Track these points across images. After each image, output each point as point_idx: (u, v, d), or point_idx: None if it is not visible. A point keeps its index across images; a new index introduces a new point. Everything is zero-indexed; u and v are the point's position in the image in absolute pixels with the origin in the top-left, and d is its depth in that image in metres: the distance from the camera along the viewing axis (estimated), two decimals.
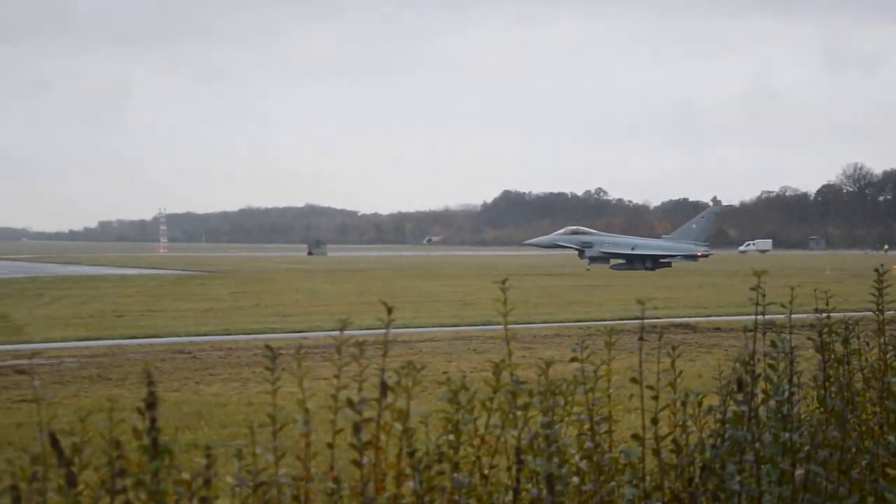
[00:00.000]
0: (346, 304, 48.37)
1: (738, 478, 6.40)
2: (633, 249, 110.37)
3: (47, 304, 52.11)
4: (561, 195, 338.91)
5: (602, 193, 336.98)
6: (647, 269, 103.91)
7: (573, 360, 6.50)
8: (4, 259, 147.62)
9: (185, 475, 5.40)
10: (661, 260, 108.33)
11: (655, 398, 6.48)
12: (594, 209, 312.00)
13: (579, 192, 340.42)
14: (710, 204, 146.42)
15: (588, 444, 6.35)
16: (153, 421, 5.07)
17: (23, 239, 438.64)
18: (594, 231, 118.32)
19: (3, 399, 20.38)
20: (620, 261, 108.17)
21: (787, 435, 6.61)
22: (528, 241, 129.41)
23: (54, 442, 5.13)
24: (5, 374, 24.31)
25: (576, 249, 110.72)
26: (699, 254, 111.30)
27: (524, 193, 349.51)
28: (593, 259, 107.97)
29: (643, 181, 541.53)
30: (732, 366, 6.80)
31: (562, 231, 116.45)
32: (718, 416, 6.68)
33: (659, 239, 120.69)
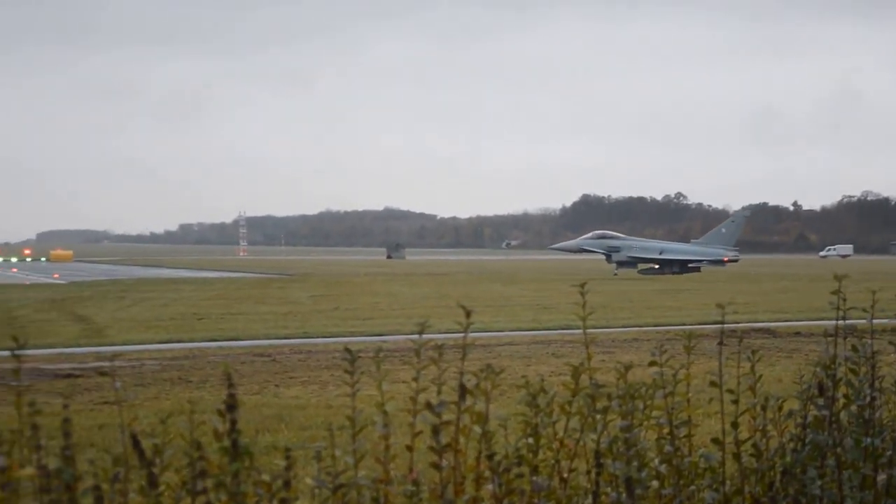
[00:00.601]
0: (425, 308, 48.35)
1: (818, 482, 6.35)
2: (660, 254, 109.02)
3: (129, 307, 52.59)
4: (640, 199, 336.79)
5: (681, 198, 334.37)
6: (674, 273, 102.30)
7: (652, 363, 6.47)
8: (87, 261, 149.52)
9: (265, 477, 5.45)
10: (689, 265, 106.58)
11: (735, 402, 6.44)
12: (673, 213, 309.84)
13: (658, 197, 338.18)
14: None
15: (668, 448, 6.32)
16: (233, 423, 5.11)
17: (105, 241, 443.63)
18: (621, 235, 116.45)
19: (86, 401, 20.59)
20: (649, 265, 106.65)
21: (868, 440, 6.55)
22: (554, 246, 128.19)
23: (136, 443, 5.20)
24: (88, 376, 24.60)
25: (603, 254, 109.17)
26: (726, 259, 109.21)
27: (603, 198, 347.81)
28: (620, 264, 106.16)
29: (723, 185, 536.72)
30: (813, 370, 6.75)
31: (588, 235, 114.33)
32: (799, 420, 6.63)
33: (688, 243, 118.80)
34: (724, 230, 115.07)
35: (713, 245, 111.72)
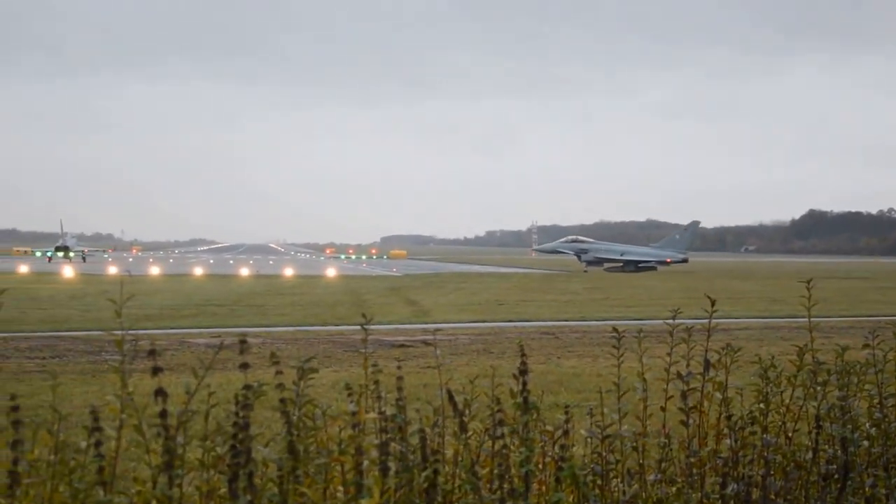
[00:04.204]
0: (677, 299, 47.44)
1: None
2: (622, 255, 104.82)
3: (447, 294, 53.68)
4: (857, 213, 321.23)
5: (893, 212, 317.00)
6: (631, 271, 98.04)
7: (865, 346, 6.25)
8: (417, 259, 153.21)
9: (549, 427, 5.47)
10: (640, 265, 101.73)
11: None
12: (887, 226, 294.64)
13: (873, 211, 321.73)
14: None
15: (877, 415, 6.08)
16: (524, 385, 5.15)
17: (430, 243, 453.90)
18: (590, 240, 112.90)
19: (414, 365, 21.14)
20: (613, 265, 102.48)
21: None
22: (535, 248, 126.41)
23: (451, 398, 5.30)
24: (416, 346, 25.24)
25: (574, 255, 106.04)
26: (668, 260, 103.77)
27: (826, 212, 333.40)
28: (589, 263, 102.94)
29: None
30: None
31: (562, 239, 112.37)
32: None
33: (646, 247, 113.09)
34: (677, 237, 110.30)
35: (668, 249, 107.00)
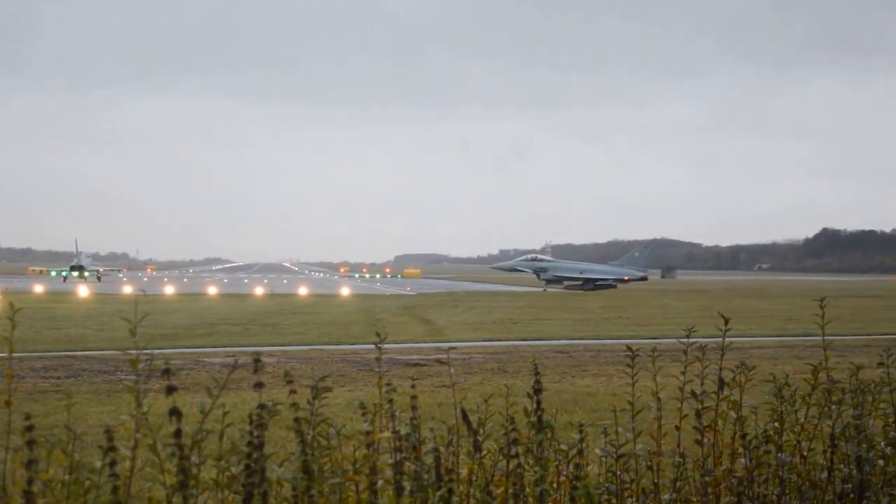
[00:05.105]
0: (691, 317, 47.38)
1: None
2: (581, 273, 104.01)
3: (461, 313, 53.60)
4: (871, 232, 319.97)
5: None
6: (590, 290, 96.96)
7: (880, 364, 6.22)
8: (431, 278, 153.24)
9: (563, 446, 5.46)
10: (599, 283, 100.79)
11: None
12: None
13: (887, 230, 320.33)
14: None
15: (892, 434, 6.04)
16: (539, 403, 5.14)
17: (444, 262, 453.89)
18: (549, 258, 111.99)
19: (428, 384, 21.09)
20: (573, 282, 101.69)
21: None
22: (494, 266, 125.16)
23: (465, 417, 5.29)
24: (430, 365, 25.21)
25: (533, 273, 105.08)
26: (626, 278, 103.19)
27: (840, 230, 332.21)
28: (549, 281, 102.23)
29: None
30: None
31: (521, 258, 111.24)
32: None
33: (606, 265, 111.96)
34: (636, 254, 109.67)
35: (627, 267, 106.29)
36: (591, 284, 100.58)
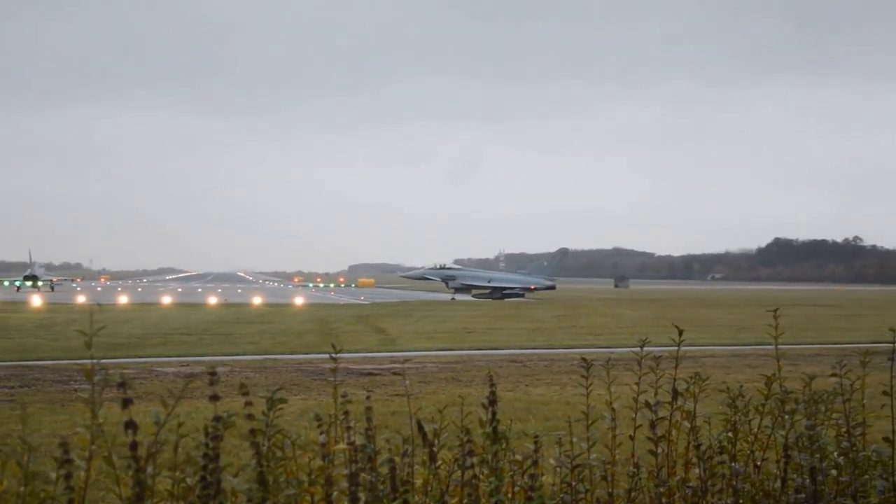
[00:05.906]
0: (645, 327, 47.68)
1: None
2: (489, 282, 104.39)
3: (415, 322, 53.54)
4: (823, 241, 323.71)
5: (858, 240, 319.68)
6: (497, 298, 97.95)
7: (833, 375, 6.28)
8: (385, 287, 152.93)
9: (518, 456, 5.47)
10: (506, 291, 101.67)
11: None
12: (851, 254, 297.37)
13: (839, 239, 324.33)
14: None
15: (845, 444, 6.10)
16: (494, 415, 5.15)
17: (397, 272, 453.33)
18: (457, 266, 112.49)
19: (382, 393, 21.05)
20: (481, 291, 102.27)
21: None
22: (402, 274, 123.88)
23: (420, 427, 5.29)
24: (384, 374, 25.15)
25: (441, 281, 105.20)
26: (532, 287, 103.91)
27: (792, 240, 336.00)
28: (457, 290, 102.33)
29: None
30: None
31: (430, 266, 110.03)
32: None
33: (514, 274, 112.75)
34: (545, 263, 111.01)
35: (535, 275, 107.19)
36: (498, 293, 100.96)
